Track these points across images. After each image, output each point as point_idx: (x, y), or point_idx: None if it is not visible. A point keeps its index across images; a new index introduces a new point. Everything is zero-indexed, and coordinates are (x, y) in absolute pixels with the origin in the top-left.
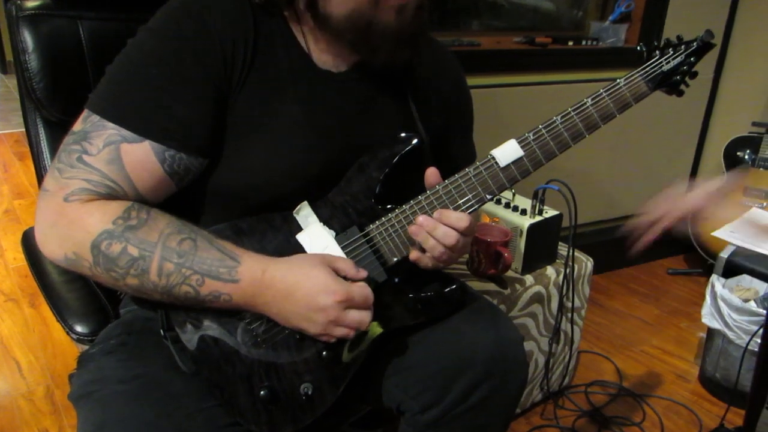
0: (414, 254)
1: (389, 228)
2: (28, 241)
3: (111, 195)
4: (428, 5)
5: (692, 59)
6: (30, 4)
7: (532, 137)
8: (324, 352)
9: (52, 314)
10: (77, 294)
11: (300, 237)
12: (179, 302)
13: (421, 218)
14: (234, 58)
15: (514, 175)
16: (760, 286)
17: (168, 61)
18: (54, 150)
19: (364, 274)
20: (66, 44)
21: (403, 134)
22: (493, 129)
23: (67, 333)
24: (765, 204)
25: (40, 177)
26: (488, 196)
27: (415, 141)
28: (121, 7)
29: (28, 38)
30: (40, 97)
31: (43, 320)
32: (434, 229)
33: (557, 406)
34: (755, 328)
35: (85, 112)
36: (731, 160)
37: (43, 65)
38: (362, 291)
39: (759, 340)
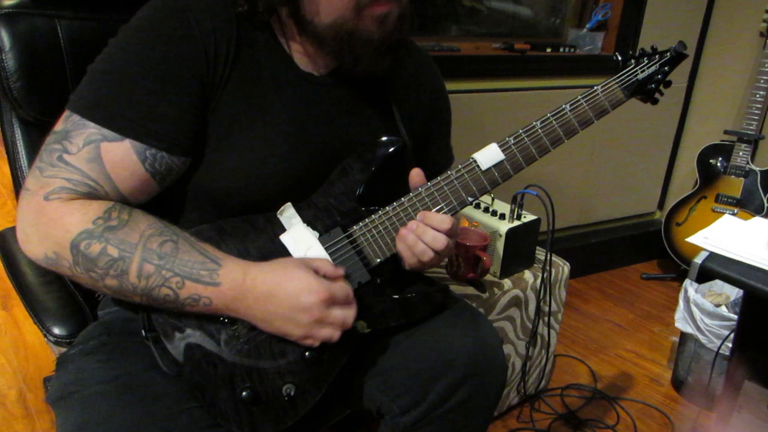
0: (408, 262)
1: (372, 229)
2: (3, 242)
3: (91, 194)
4: (410, 15)
5: (666, 68)
6: (7, 2)
7: (512, 141)
8: (307, 353)
9: (26, 317)
10: (54, 296)
11: (283, 238)
12: (159, 305)
13: (413, 224)
14: (216, 58)
15: (495, 179)
16: (731, 292)
17: (150, 60)
18: (30, 150)
19: (341, 271)
20: (44, 44)
21: (385, 137)
22: (472, 134)
23: (45, 335)
24: (736, 211)
25: (15, 177)
26: (470, 199)
27: (397, 144)
28: (100, 7)
29: (4, 37)
30: (17, 97)
31: (15, 323)
32: (423, 233)
33: (533, 409)
34: (726, 332)
35: (66, 112)
36: (704, 168)
37: (20, 65)
38: (343, 288)
39: (730, 345)
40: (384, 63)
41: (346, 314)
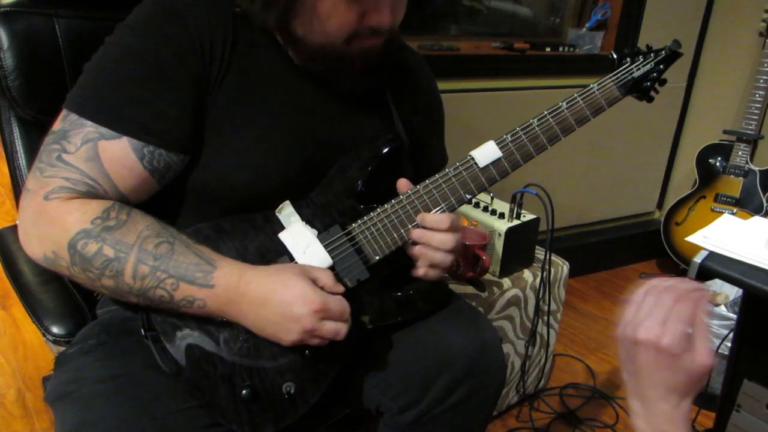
0: (421, 271)
1: (371, 227)
2: (2, 242)
3: (91, 193)
4: (398, 36)
5: (661, 67)
6: (5, 1)
7: (509, 139)
8: (307, 351)
9: (25, 316)
10: (53, 295)
11: (282, 236)
12: (155, 306)
13: (417, 233)
14: (212, 55)
15: (493, 176)
16: (730, 291)
17: (146, 58)
18: (29, 149)
19: (341, 288)
20: (42, 42)
21: (383, 135)
22: (471, 133)
23: (43, 334)
24: (735, 210)
25: (14, 177)
26: (467, 196)
27: (395, 142)
28: (99, 5)
29: (3, 35)
30: (15, 96)
31: (14, 322)
32: (430, 239)
33: (532, 408)
34: (726, 332)
35: (64, 111)
36: (703, 167)
37: (18, 63)
38: (339, 303)
39: (729, 344)
40: (367, 81)
41: (339, 328)
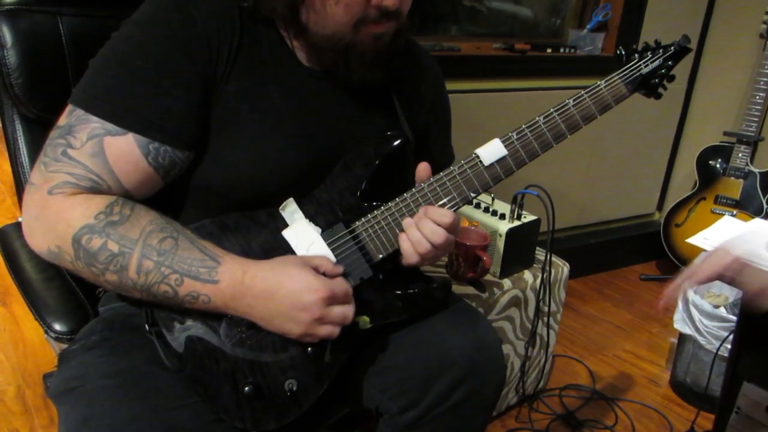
0: (408, 260)
1: (375, 225)
2: (3, 239)
3: (95, 189)
4: (407, 29)
5: (670, 63)
6: None
7: (515, 137)
8: (309, 348)
9: (25, 313)
10: (55, 292)
11: (286, 233)
12: (159, 301)
13: (416, 216)
14: (219, 52)
15: (498, 174)
16: (730, 293)
17: (153, 54)
18: (31, 147)
19: (340, 269)
20: (46, 40)
21: (388, 132)
22: (472, 133)
23: (45, 332)
24: (735, 212)
25: (17, 174)
26: (472, 194)
27: (400, 139)
28: (102, 3)
29: (6, 33)
30: (19, 94)
31: (14, 319)
32: (423, 226)
33: (532, 409)
34: (725, 333)
35: (70, 107)
36: (703, 169)
37: (21, 61)
38: (342, 285)
39: (729, 346)
40: (378, 75)
41: (346, 311)
